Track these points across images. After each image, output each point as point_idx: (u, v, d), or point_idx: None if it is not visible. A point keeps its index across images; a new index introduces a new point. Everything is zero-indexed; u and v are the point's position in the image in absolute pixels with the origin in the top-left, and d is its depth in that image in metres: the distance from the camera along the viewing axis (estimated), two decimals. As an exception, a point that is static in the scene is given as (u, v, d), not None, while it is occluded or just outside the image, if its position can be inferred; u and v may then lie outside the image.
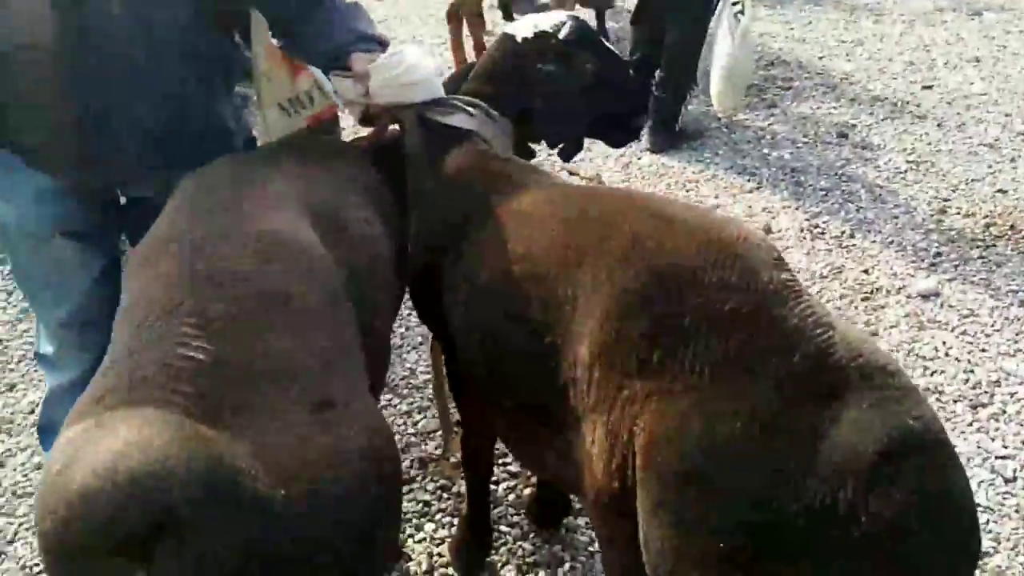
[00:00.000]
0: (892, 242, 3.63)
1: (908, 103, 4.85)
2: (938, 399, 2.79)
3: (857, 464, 1.13)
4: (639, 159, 4.45)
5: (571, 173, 4.30)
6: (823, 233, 3.73)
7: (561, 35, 2.02)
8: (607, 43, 2.09)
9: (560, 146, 2.13)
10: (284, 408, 1.25)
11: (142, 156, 1.98)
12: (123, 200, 2.18)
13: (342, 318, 1.46)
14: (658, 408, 1.24)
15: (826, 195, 4.01)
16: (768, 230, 3.76)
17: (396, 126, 2.08)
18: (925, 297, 3.27)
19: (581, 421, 1.41)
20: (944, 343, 3.04)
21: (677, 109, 4.50)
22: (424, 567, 2.30)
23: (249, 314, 1.31)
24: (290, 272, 1.42)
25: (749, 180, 4.18)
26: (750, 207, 3.96)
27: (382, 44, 2.04)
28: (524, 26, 2.06)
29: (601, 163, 4.40)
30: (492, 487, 2.44)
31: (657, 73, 4.45)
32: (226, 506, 1.11)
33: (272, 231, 1.47)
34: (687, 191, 4.14)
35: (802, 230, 3.75)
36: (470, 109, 1.98)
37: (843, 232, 3.72)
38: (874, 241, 3.64)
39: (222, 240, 1.42)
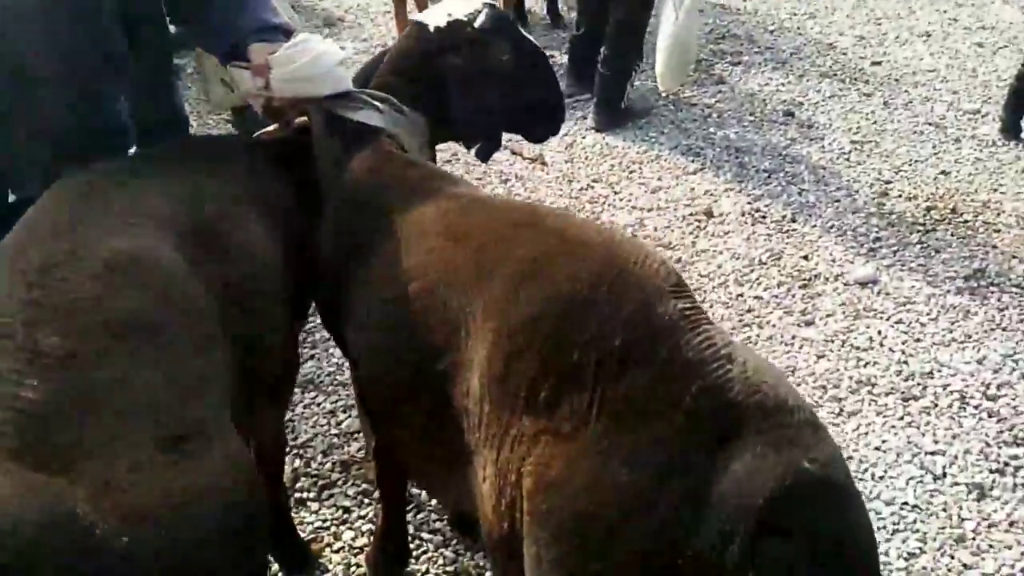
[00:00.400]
0: (832, 227, 3.59)
1: (856, 80, 4.80)
2: (870, 392, 2.76)
3: (747, 513, 1.06)
4: (583, 138, 4.35)
5: (514, 152, 4.21)
6: (764, 217, 3.67)
7: (476, 24, 1.91)
8: (525, 32, 1.99)
9: (477, 146, 2.03)
10: (130, 445, 1.18)
11: (31, 152, 1.86)
12: (12, 198, 2.05)
13: (204, 344, 1.37)
14: (545, 451, 1.16)
15: (769, 177, 3.95)
16: (709, 214, 3.70)
17: (305, 118, 1.96)
18: (863, 284, 3.24)
19: (475, 455, 1.33)
20: (879, 332, 3.01)
21: (622, 87, 4.39)
22: (341, 577, 2.23)
23: (91, 345, 1.22)
24: (141, 297, 1.32)
25: (693, 161, 4.10)
26: (692, 189, 3.89)
27: (286, 34, 1.91)
28: (437, 14, 1.94)
29: (545, 143, 4.28)
30: (415, 491, 2.37)
31: (602, 50, 4.34)
32: (61, 555, 1.06)
33: (124, 251, 1.36)
34: (630, 173, 4.05)
35: (743, 214, 3.69)
36: (379, 104, 1.86)
37: (784, 216, 3.66)
38: (814, 226, 3.60)
39: (65, 263, 1.31)
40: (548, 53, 5.54)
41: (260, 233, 1.68)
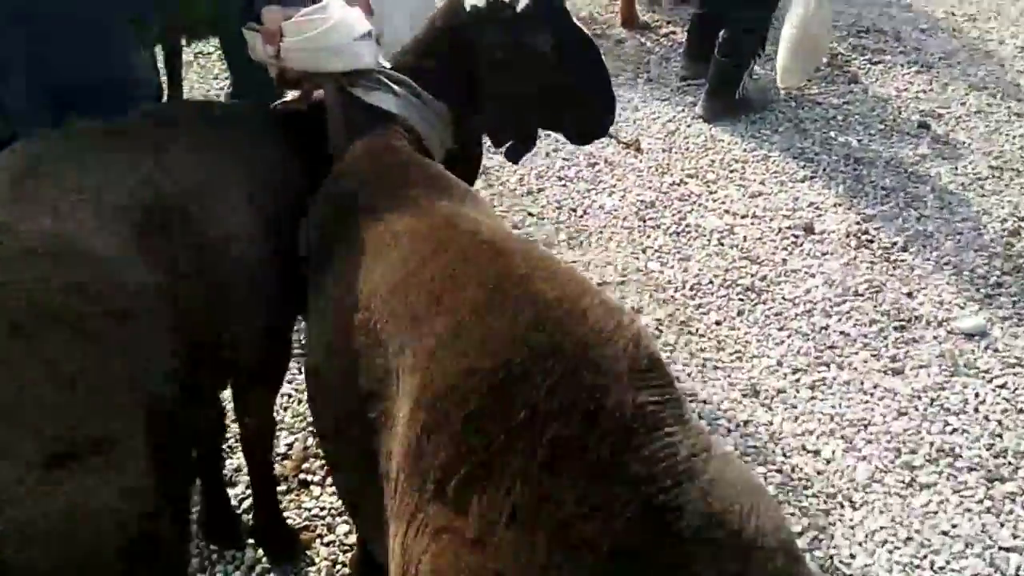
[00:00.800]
0: (948, 263, 3.17)
1: (1009, 96, 4.25)
2: (951, 464, 2.41)
3: None
4: (688, 127, 4.02)
5: (609, 135, 3.93)
6: (871, 242, 3.28)
7: (519, 6, 1.67)
8: (575, 18, 1.74)
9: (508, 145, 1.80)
10: (8, 460, 1.05)
11: (36, 106, 1.77)
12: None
13: (132, 343, 1.23)
14: (444, 552, 0.96)
15: (887, 196, 3.54)
16: (810, 229, 3.35)
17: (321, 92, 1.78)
18: (969, 336, 2.84)
19: (390, 520, 1.14)
20: (976, 395, 2.63)
21: (739, 76, 4.01)
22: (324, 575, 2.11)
23: None
24: (56, 288, 1.18)
25: (804, 167, 3.72)
26: (796, 199, 3.53)
27: None
28: (479, -9, 1.72)
29: (645, 127, 4.01)
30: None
31: (721, 33, 3.98)
32: None
33: (50, 234, 1.23)
34: (730, 172, 3.72)
35: (848, 235, 3.31)
36: (396, 87, 1.66)
37: (894, 243, 3.27)
38: (927, 259, 3.19)
39: None
40: (670, 30, 5.18)
41: (248, 217, 1.53)
